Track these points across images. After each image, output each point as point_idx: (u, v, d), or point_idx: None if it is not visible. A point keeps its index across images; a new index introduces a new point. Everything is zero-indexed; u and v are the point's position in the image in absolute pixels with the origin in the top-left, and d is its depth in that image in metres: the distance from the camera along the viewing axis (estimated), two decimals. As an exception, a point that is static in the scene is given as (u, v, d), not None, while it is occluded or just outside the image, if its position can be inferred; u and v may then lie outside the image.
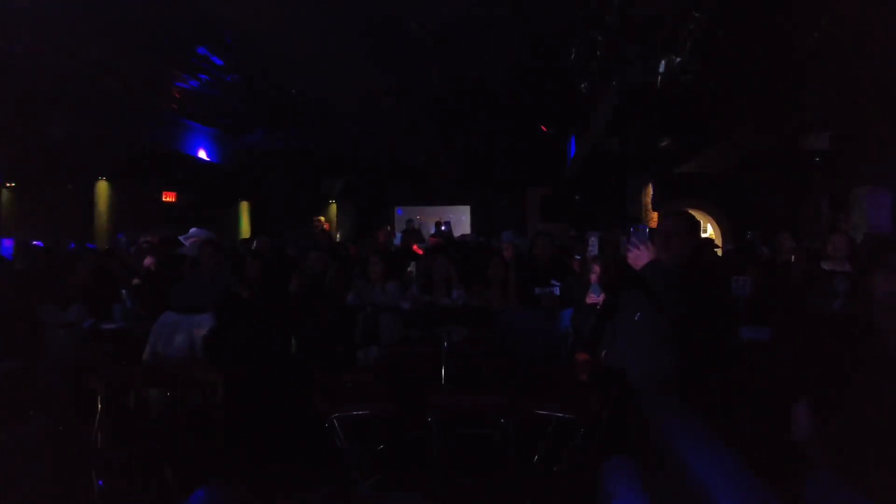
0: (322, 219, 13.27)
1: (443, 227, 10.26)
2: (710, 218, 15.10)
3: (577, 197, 14.60)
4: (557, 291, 4.90)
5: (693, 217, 2.97)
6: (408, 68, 8.57)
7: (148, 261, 5.05)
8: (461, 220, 15.63)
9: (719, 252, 7.07)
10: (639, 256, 2.61)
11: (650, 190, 13.15)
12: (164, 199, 12.96)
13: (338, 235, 13.70)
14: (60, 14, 5.11)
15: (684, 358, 2.66)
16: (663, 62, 7.66)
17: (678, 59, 7.62)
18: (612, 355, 3.01)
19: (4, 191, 11.00)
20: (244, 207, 16.01)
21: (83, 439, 3.31)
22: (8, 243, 7.32)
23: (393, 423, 3.60)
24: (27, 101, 7.19)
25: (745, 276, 3.70)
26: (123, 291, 4.75)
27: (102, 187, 11.56)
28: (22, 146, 8.86)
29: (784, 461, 1.84)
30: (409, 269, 6.45)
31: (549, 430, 3.50)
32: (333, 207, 16.68)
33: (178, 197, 13.06)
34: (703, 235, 13.08)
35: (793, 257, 4.69)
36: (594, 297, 3.17)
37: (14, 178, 10.63)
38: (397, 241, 9.42)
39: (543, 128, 9.42)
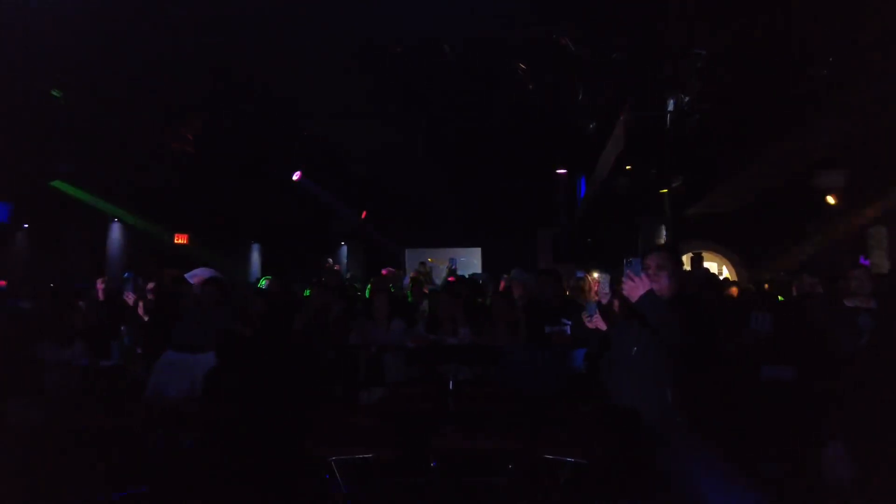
0: (331, 260, 13.25)
1: (452, 265, 10.20)
2: (725, 260, 14.88)
3: (588, 239, 14.51)
4: (569, 330, 4.75)
5: (677, 252, 2.97)
6: (419, 112, 8.68)
7: (151, 296, 4.99)
8: (472, 262, 15.54)
9: (734, 291, 6.88)
10: (634, 288, 2.63)
11: (662, 231, 13.04)
12: (175, 241, 13.06)
13: (347, 276, 13.64)
14: (71, 52, 5.24)
15: (684, 388, 2.64)
16: (672, 101, 7.69)
17: (686, 98, 7.65)
18: (612, 393, 2.94)
19: (19, 233, 11.13)
20: (256, 250, 16.10)
21: (71, 478, 3.17)
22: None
23: (395, 467, 3.42)
24: (39, 142, 7.34)
25: (764, 313, 3.55)
26: (122, 328, 4.67)
27: (116, 229, 11.68)
28: (35, 187, 9.02)
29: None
30: (421, 307, 6.33)
31: (561, 476, 3.30)
32: (344, 250, 16.71)
33: (189, 239, 13.15)
34: (723, 277, 12.86)
35: (811, 294, 4.51)
36: (590, 318, 3.08)
37: (28, 219, 10.77)
38: (405, 282, 9.32)
39: None
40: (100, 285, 5.16)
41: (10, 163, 8.21)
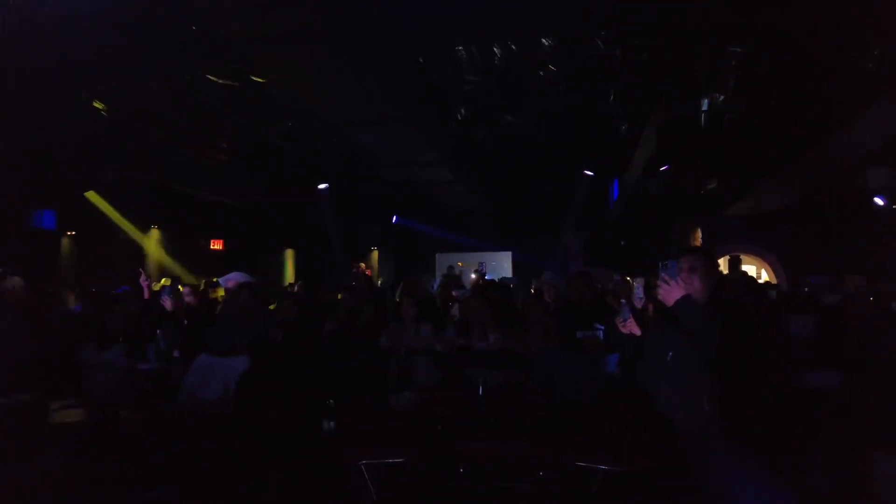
0: (363, 265, 13.35)
1: (481, 269, 10.14)
2: (764, 263, 14.44)
3: (622, 242, 14.26)
4: (602, 335, 4.66)
5: (712, 254, 2.89)
6: (444, 115, 8.67)
7: (189, 299, 5.11)
8: (503, 266, 15.44)
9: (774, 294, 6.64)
10: (669, 292, 2.59)
11: (698, 233, 12.74)
12: (211, 247, 13.36)
13: (379, 281, 13.72)
14: (111, 65, 5.40)
15: (722, 396, 2.58)
16: (706, 100, 7.50)
17: (721, 97, 7.45)
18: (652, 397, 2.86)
19: (65, 239, 11.55)
20: (289, 255, 16.32)
21: (98, 477, 3.24)
22: None
23: (424, 471, 3.39)
24: (81, 152, 7.58)
25: (805, 317, 3.41)
26: (158, 332, 4.78)
27: (154, 234, 12.03)
28: (80, 197, 9.37)
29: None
30: (452, 311, 6.30)
31: (594, 484, 3.23)
32: (375, 254, 16.82)
33: (224, 244, 13.44)
34: (762, 280, 12.48)
35: (857, 297, 4.31)
36: (624, 323, 3.03)
37: (73, 226, 11.17)
38: (435, 286, 9.31)
39: None
40: (144, 282, 5.27)
41: (54, 171, 8.54)
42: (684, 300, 2.57)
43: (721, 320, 2.58)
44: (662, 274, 2.64)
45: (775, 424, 2.85)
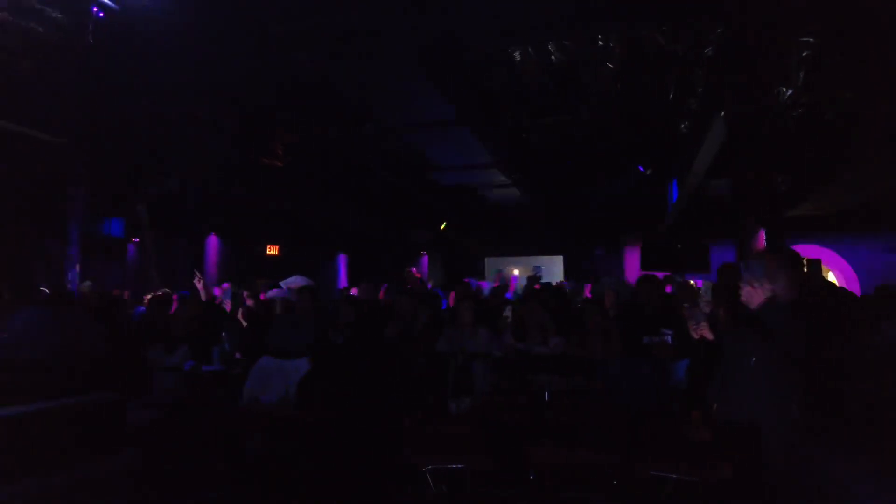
0: (415, 270, 13.40)
1: (537, 273, 10.00)
2: (829, 265, 13.73)
3: (678, 245, 13.80)
4: (670, 340, 4.47)
5: (795, 253, 2.70)
6: (497, 117, 8.58)
7: (250, 302, 5.21)
8: (554, 271, 15.20)
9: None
10: (753, 294, 2.49)
11: (762, 235, 12.20)
12: (268, 252, 13.69)
13: (429, 285, 13.74)
14: (170, 76, 5.57)
15: (810, 401, 2.42)
16: (773, 96, 7.15)
17: (789, 92, 7.09)
18: (725, 407, 2.71)
19: (130, 245, 12.09)
20: (343, 259, 16.59)
21: (172, 477, 3.31)
22: None
23: (490, 477, 3.32)
24: (143, 163, 7.89)
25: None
26: (223, 335, 4.88)
27: (213, 241, 12.43)
28: (142, 205, 9.78)
29: None
30: (504, 313, 6.21)
31: (665, 493, 3.09)
32: (425, 258, 16.90)
33: (280, 250, 13.75)
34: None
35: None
36: (697, 327, 2.89)
37: (137, 234, 11.68)
38: (486, 291, 9.23)
39: None
40: (198, 284, 5.44)
41: (122, 181, 8.93)
42: (769, 302, 2.45)
43: (808, 322, 2.42)
44: (745, 275, 2.51)
45: (868, 434, 2.65)
